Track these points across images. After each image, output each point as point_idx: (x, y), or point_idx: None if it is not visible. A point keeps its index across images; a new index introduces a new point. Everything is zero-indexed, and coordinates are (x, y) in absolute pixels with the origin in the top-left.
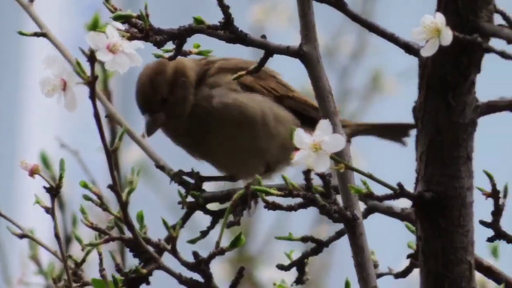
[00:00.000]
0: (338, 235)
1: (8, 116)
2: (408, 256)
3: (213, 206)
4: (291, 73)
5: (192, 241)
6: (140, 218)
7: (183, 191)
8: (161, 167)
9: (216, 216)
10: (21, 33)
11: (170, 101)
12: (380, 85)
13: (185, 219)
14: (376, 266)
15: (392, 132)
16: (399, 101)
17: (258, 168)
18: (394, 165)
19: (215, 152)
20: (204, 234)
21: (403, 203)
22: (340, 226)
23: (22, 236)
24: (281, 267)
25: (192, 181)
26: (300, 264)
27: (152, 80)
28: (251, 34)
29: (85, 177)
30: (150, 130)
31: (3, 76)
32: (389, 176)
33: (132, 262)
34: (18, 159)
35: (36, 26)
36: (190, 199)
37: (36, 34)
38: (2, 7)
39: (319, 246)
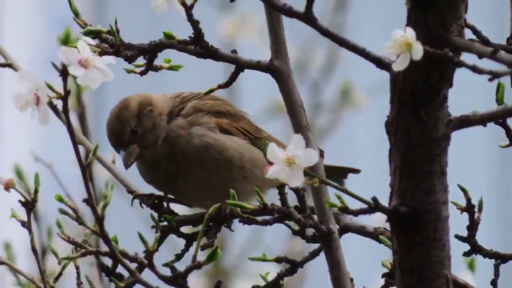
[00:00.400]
0: (312, 255)
1: None
2: (383, 275)
3: (186, 229)
4: (262, 88)
5: (167, 264)
6: (115, 241)
7: (156, 215)
8: (132, 192)
9: (189, 239)
10: None
11: (139, 131)
12: (351, 99)
13: (159, 242)
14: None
15: (334, 173)
16: (369, 114)
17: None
18: (369, 179)
19: (188, 190)
20: (178, 257)
21: (378, 220)
22: (314, 246)
23: None
24: None
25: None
26: (275, 285)
27: (118, 116)
28: (221, 48)
29: (58, 191)
30: (126, 164)
31: None
32: (365, 190)
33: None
34: None
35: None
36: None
37: (1, 65)
38: None
39: (293, 266)
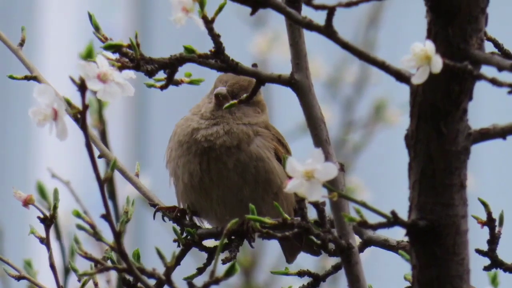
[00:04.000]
0: (335, 269)
1: (20, 142)
2: None
3: (209, 243)
4: (293, 104)
5: (188, 278)
6: (137, 256)
7: (178, 228)
8: (155, 205)
9: (212, 252)
10: (11, 77)
11: (239, 110)
12: (384, 115)
13: (180, 256)
14: None
15: None
16: (402, 131)
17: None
18: (403, 195)
19: (215, 189)
20: (200, 270)
21: (402, 234)
22: (337, 260)
23: (19, 278)
24: None
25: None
26: None
27: (248, 85)
28: (255, 64)
29: (84, 208)
30: (224, 95)
31: (14, 106)
32: (398, 205)
33: None
34: (28, 186)
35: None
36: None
37: (26, 78)
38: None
39: (315, 280)
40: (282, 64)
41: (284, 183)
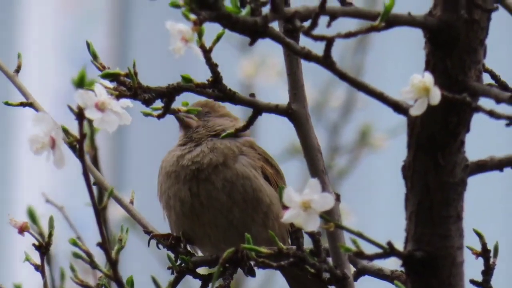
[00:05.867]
0: None
1: None
2: None
3: (202, 270)
4: (281, 128)
5: None
6: (131, 284)
7: (173, 255)
8: (149, 232)
9: (205, 280)
10: (7, 103)
11: (209, 122)
12: (370, 141)
13: (174, 283)
14: None
15: None
16: (388, 156)
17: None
18: (388, 221)
19: (205, 212)
20: None
21: (395, 263)
22: None
23: None
24: None
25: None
26: None
27: (214, 104)
28: (241, 88)
29: (71, 232)
30: (183, 116)
31: None
32: (383, 231)
33: None
34: (6, 214)
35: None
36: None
37: (22, 104)
38: None
39: None
40: (268, 88)
41: (273, 202)
